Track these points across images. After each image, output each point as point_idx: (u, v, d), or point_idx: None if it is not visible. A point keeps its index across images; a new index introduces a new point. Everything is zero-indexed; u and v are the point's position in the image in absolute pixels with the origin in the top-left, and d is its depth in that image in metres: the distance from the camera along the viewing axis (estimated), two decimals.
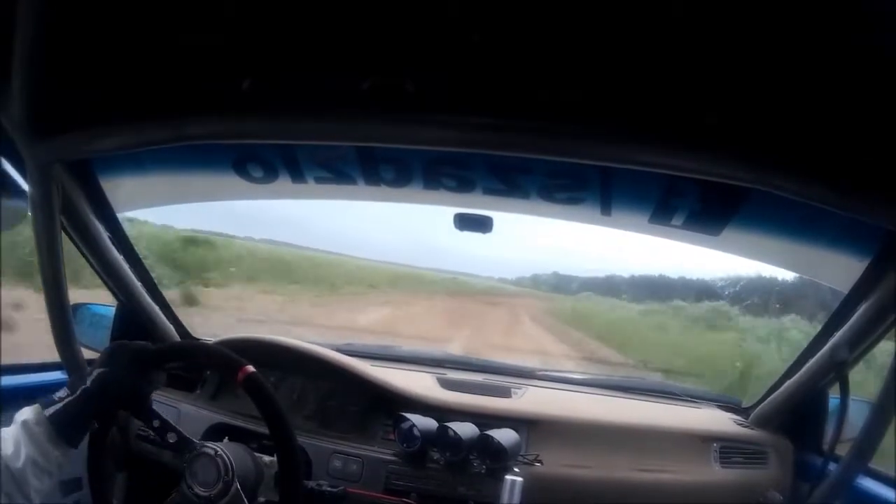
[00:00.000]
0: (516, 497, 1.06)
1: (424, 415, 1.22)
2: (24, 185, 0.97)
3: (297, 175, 1.13)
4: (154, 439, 1.17)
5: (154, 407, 0.94)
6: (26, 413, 0.80)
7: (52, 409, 0.81)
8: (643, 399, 1.47)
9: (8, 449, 0.76)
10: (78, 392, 0.84)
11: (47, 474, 0.79)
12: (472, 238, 1.27)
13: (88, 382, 0.86)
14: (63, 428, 0.81)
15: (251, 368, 0.91)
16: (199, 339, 1.47)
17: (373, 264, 9.92)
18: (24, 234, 1.05)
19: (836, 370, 1.09)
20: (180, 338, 1.47)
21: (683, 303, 5.99)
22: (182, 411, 1.32)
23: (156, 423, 0.92)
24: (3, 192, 0.65)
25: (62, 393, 0.84)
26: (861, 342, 1.05)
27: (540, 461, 1.20)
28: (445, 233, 1.41)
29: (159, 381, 0.96)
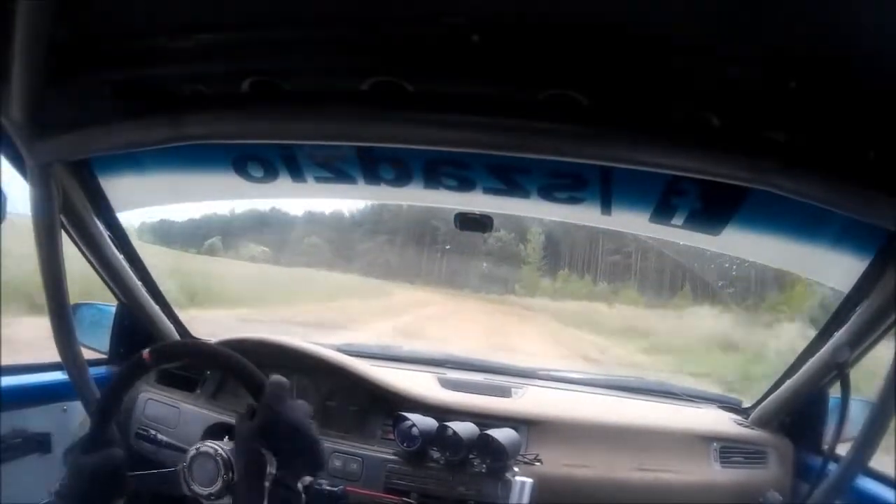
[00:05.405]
0: (526, 499, 1.06)
1: (424, 414, 1.22)
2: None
3: (297, 174, 1.13)
4: (154, 438, 1.18)
5: (154, 407, 0.92)
6: None
7: None
8: (643, 399, 1.47)
9: None
10: None
11: None
12: None
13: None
14: None
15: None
16: (199, 340, 1.48)
17: None
18: None
19: (837, 370, 1.09)
20: (180, 337, 1.47)
21: None
22: (182, 411, 1.31)
23: None
24: None
25: None
26: (861, 342, 1.05)
27: (540, 461, 1.20)
28: None
29: (126, 485, 0.92)
